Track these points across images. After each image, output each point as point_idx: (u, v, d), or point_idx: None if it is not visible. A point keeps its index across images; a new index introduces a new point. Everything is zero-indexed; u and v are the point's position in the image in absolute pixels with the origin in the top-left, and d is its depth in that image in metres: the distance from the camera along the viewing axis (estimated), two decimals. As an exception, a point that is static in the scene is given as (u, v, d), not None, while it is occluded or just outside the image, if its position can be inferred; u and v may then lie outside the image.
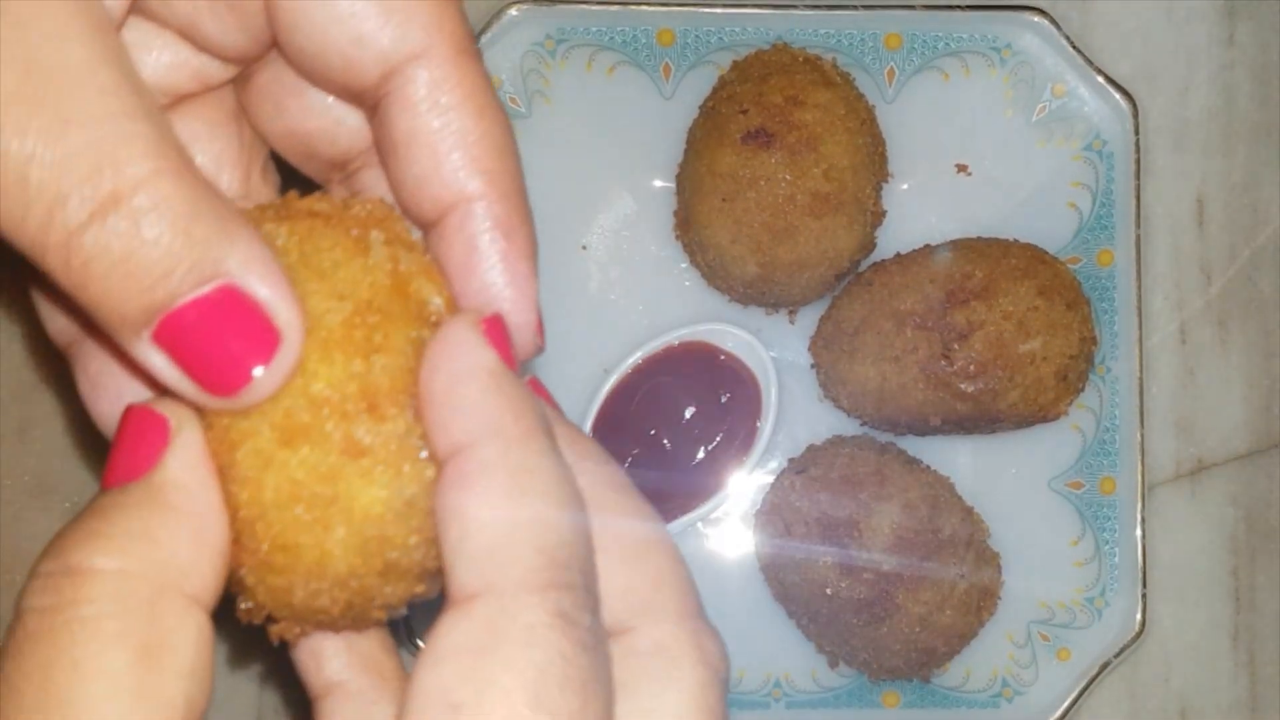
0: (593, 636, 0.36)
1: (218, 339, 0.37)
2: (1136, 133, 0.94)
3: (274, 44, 0.44)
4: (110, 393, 0.44)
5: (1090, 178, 0.95)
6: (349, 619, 0.40)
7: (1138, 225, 0.94)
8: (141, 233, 0.35)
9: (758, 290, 0.92)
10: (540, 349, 0.43)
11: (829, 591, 0.88)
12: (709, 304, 0.95)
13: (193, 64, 0.45)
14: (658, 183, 0.96)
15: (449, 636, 0.35)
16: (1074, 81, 0.95)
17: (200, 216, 0.36)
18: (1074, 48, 0.94)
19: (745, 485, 0.94)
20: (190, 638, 0.36)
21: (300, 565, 0.38)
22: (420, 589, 0.40)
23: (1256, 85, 0.98)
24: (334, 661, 0.44)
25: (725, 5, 0.94)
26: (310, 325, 0.38)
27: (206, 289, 0.37)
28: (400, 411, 0.38)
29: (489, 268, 0.42)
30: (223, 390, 0.38)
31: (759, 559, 0.93)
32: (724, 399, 0.93)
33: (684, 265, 0.95)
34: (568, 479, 0.37)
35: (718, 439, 0.93)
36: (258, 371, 0.37)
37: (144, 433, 0.38)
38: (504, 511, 0.36)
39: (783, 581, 0.91)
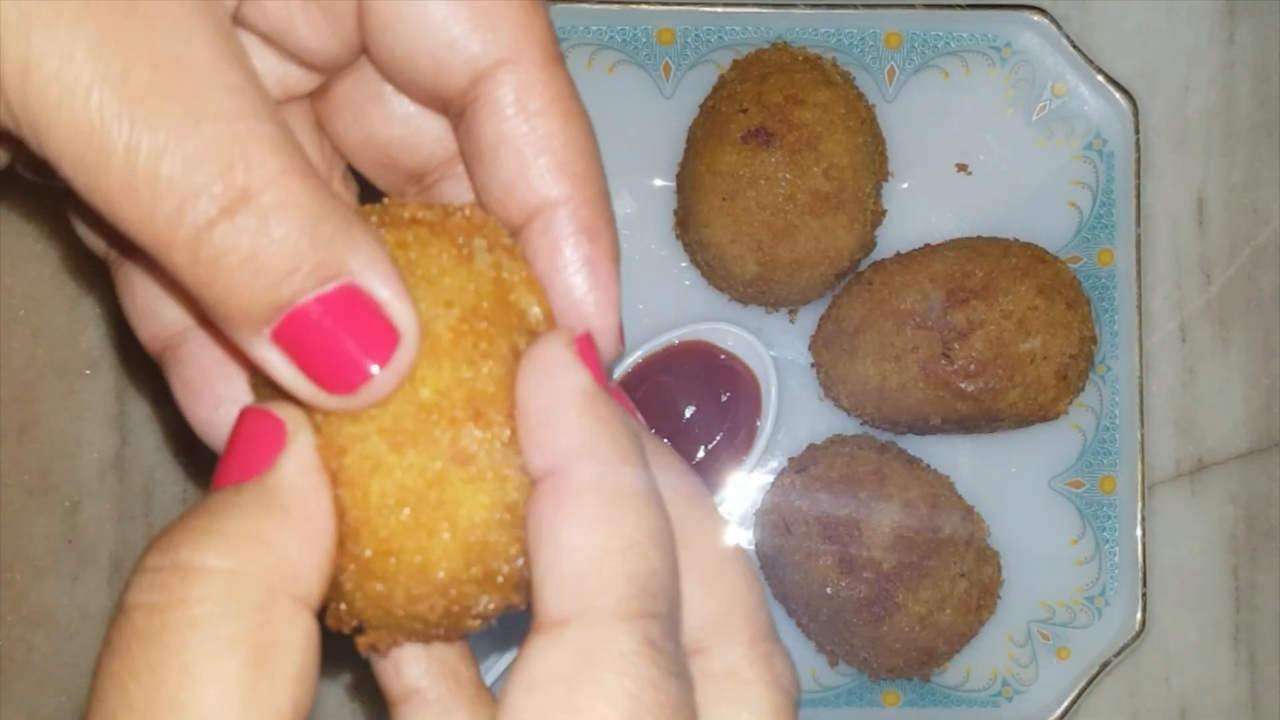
0: (678, 664, 0.36)
1: (338, 337, 0.37)
2: (1137, 132, 0.94)
3: (362, 50, 0.44)
4: (207, 398, 0.45)
5: (1090, 177, 0.95)
6: (443, 628, 0.40)
7: (1138, 224, 0.94)
8: (270, 230, 0.36)
9: (758, 289, 0.92)
10: (620, 353, 0.43)
11: (829, 591, 0.88)
12: (709, 303, 0.95)
13: (278, 72, 0.45)
14: (658, 182, 0.96)
15: (542, 662, 0.35)
16: (1074, 81, 0.95)
17: (325, 217, 0.37)
18: (1074, 47, 0.94)
19: (745, 484, 0.94)
20: (299, 642, 0.36)
21: (403, 570, 0.38)
22: (516, 599, 0.40)
23: (1256, 85, 0.98)
24: (413, 667, 0.44)
25: (725, 4, 0.94)
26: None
27: (329, 287, 0.37)
28: (505, 419, 0.39)
29: (573, 272, 0.42)
30: (340, 388, 0.38)
31: (759, 558, 0.93)
32: (724, 398, 0.93)
33: (684, 264, 0.95)
34: (658, 505, 0.38)
35: (717, 438, 0.93)
36: (375, 370, 0.37)
37: (260, 434, 0.38)
38: (596, 537, 0.36)
39: (783, 581, 0.91)
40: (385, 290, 0.37)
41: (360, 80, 0.45)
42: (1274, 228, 0.98)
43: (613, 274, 0.42)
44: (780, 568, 0.90)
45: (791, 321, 0.95)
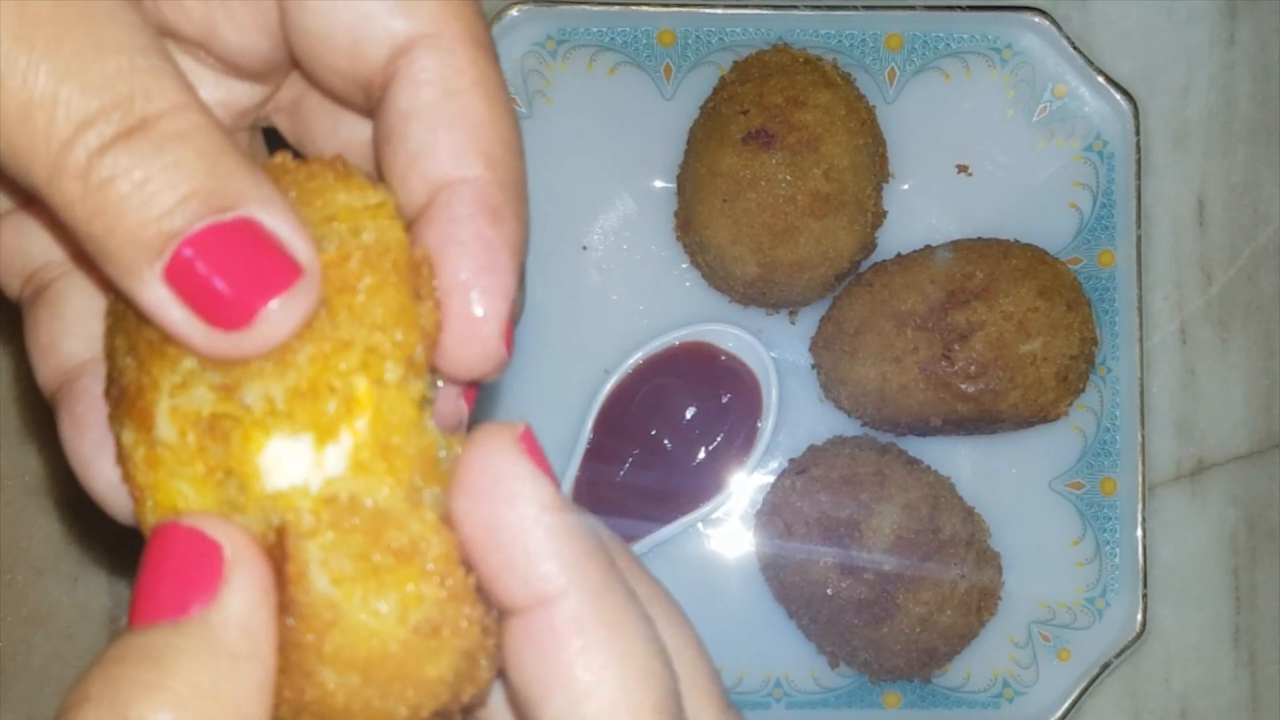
0: None
1: (231, 266, 0.35)
2: (1137, 133, 0.94)
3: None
4: (93, 434, 0.42)
5: (1091, 178, 0.95)
6: None
7: (1138, 225, 0.94)
8: (164, 156, 0.34)
9: (758, 290, 0.92)
10: (507, 359, 0.39)
11: (829, 592, 0.88)
12: (709, 304, 0.95)
13: (220, 92, 0.44)
14: (658, 183, 0.96)
15: None
16: (1074, 81, 0.95)
17: (225, 153, 0.35)
18: (1074, 48, 0.94)
19: (746, 485, 0.94)
20: None
21: None
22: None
23: (1256, 85, 0.98)
24: None
25: (725, 6, 0.94)
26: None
27: (225, 217, 0.35)
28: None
29: (464, 253, 0.38)
30: (233, 322, 0.35)
31: (759, 559, 0.93)
32: (724, 399, 0.93)
33: (684, 265, 0.95)
34: (648, 616, 0.36)
35: (718, 439, 0.93)
36: (273, 304, 0.35)
37: (195, 560, 0.35)
38: (612, 672, 0.35)
39: (783, 582, 0.91)
40: (285, 228, 0.35)
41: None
42: (1274, 228, 0.98)
43: (509, 265, 0.38)
44: (780, 569, 0.90)
45: (792, 323, 0.95)
